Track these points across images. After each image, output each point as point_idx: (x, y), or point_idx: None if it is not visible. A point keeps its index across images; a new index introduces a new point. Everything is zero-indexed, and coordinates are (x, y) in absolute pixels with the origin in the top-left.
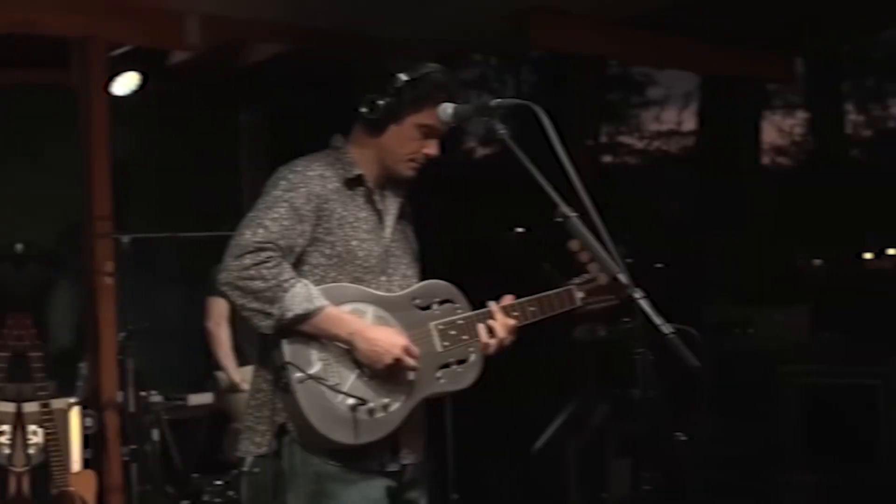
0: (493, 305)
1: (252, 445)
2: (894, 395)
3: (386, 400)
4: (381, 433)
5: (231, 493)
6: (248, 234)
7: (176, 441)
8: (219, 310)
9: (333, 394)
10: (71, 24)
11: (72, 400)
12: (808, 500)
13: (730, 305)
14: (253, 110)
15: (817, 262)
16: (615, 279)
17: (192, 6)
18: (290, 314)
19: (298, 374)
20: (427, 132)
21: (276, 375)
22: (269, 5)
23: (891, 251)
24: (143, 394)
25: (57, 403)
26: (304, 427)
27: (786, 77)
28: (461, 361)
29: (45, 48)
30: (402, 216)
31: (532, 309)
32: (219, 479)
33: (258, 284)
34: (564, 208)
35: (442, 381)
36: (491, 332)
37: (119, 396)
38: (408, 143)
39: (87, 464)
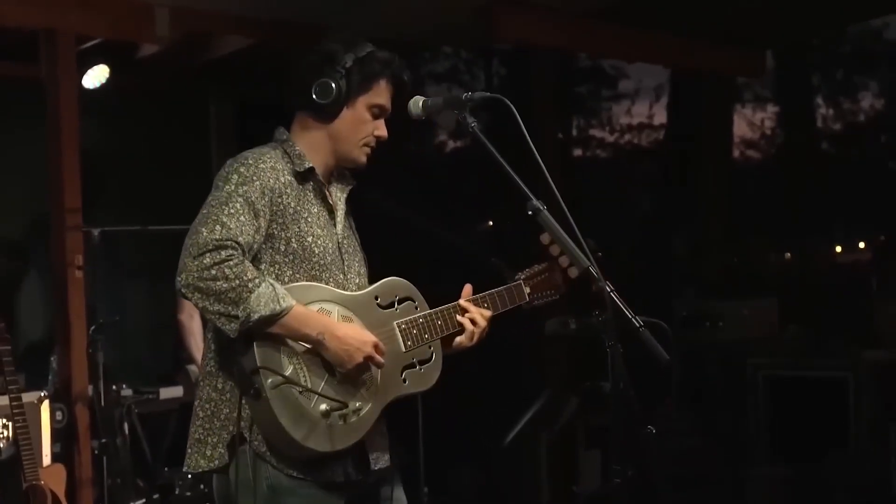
0: (461, 300)
1: (203, 460)
2: (863, 388)
3: (357, 403)
4: (354, 439)
5: (202, 486)
6: (206, 232)
7: (146, 435)
8: (190, 302)
9: (307, 400)
10: (37, 16)
11: (42, 393)
12: (776, 493)
13: (699, 299)
14: (222, 103)
15: (787, 255)
16: (586, 272)
17: None
18: (256, 315)
19: (272, 379)
20: (378, 112)
21: (244, 382)
22: None
23: (860, 244)
24: (113, 387)
25: (27, 397)
26: (276, 434)
27: (756, 71)
28: (423, 362)
29: (14, 41)
30: (347, 210)
31: (484, 305)
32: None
33: (221, 285)
34: (535, 202)
35: (406, 382)
36: (473, 322)
37: (89, 390)
38: (361, 126)
39: (57, 457)
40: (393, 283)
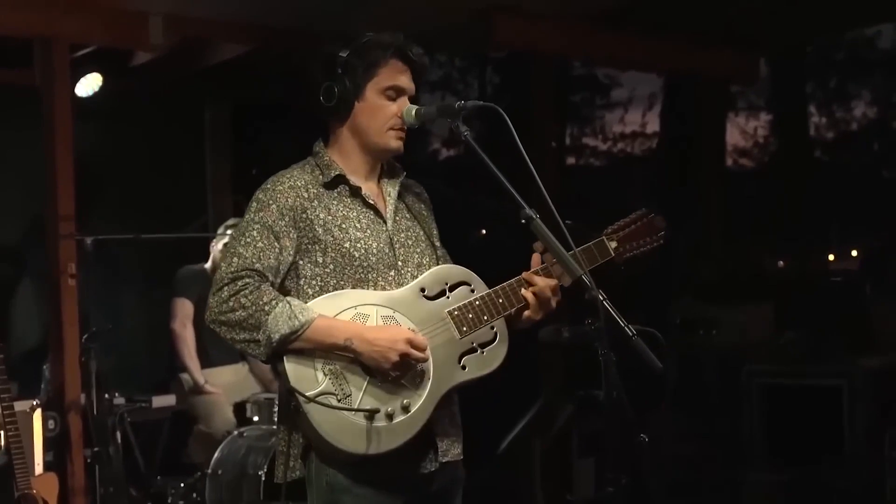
0: (525, 273)
1: (288, 471)
2: (858, 393)
3: (405, 401)
4: (405, 437)
5: (194, 495)
6: (224, 267)
7: (139, 443)
8: (184, 311)
9: (347, 407)
10: (32, 24)
11: (34, 402)
12: (771, 498)
13: (694, 305)
14: (217, 109)
15: (781, 262)
16: (579, 280)
17: (155, 6)
18: (276, 336)
19: (307, 395)
20: (394, 93)
21: (285, 400)
22: (232, 5)
23: (854, 251)
24: (106, 396)
25: (19, 405)
26: (322, 444)
27: (749, 78)
28: (485, 344)
29: (8, 48)
30: (407, 200)
31: (559, 271)
32: (182, 482)
33: (239, 315)
34: (528, 210)
35: (466, 368)
36: (537, 294)
37: (82, 398)
38: (379, 112)
39: (49, 466)
40: (440, 271)
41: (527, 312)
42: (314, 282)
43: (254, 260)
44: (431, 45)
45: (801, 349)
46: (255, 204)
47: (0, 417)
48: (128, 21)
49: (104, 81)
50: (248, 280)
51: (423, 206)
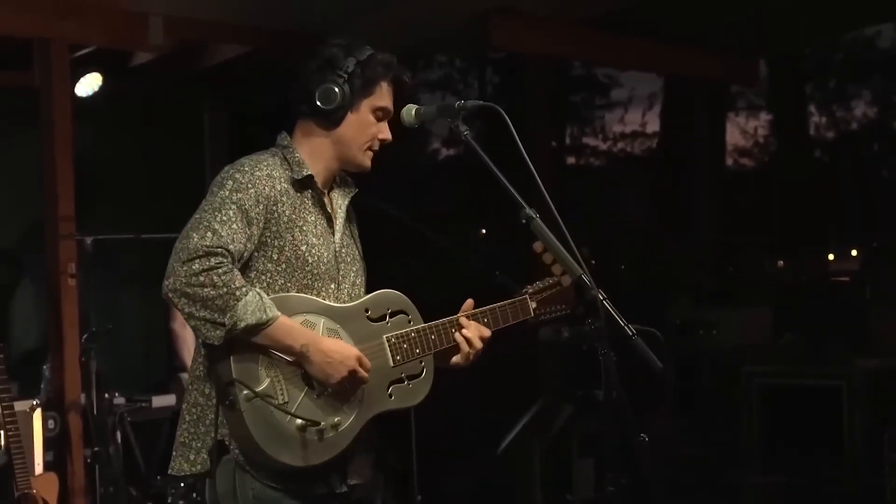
0: (460, 315)
1: (186, 464)
2: (857, 395)
3: (336, 419)
4: (331, 454)
5: (194, 495)
6: (196, 238)
7: (139, 443)
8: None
9: (282, 413)
10: (31, 25)
11: (34, 402)
12: (770, 500)
13: (694, 306)
14: (216, 110)
15: (780, 263)
16: (579, 280)
17: (155, 7)
18: (242, 324)
19: (246, 392)
20: (381, 115)
21: (221, 391)
22: (232, 6)
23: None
24: (106, 395)
25: (19, 405)
26: (250, 447)
27: (749, 79)
28: (413, 377)
29: (8, 49)
30: (348, 218)
31: (485, 321)
32: (182, 481)
33: (208, 292)
34: (528, 210)
35: (392, 398)
36: (469, 342)
37: (82, 398)
38: (365, 129)
39: (49, 466)
40: (385, 295)
41: (455, 358)
42: (264, 277)
43: (228, 241)
44: (429, 48)
45: (800, 350)
46: (231, 182)
47: (0, 417)
48: (127, 22)
49: (103, 82)
50: (221, 259)
51: (354, 226)
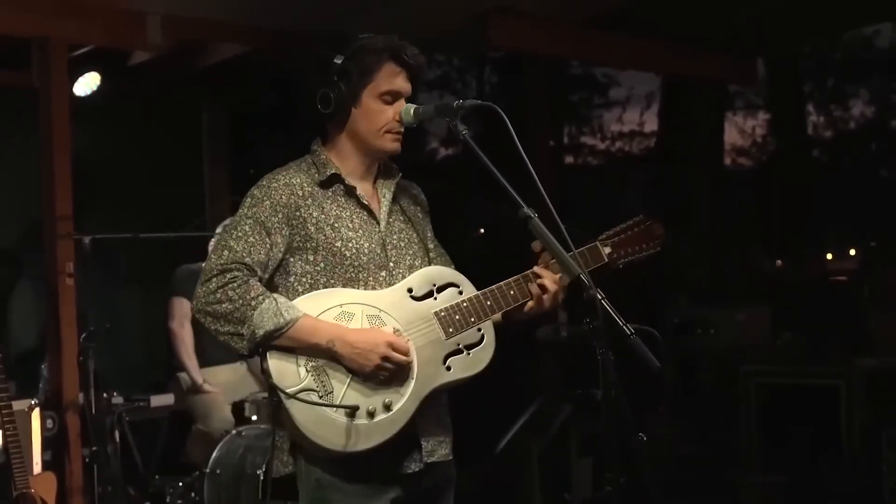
0: (535, 268)
1: (281, 465)
2: (855, 395)
3: (387, 399)
4: (386, 435)
5: (192, 494)
6: (214, 259)
7: (137, 442)
8: (182, 310)
9: (328, 403)
10: (29, 24)
11: (33, 401)
12: (769, 499)
13: (692, 306)
14: (215, 110)
15: (779, 262)
16: (577, 279)
17: (154, 6)
18: (260, 332)
19: (288, 391)
20: (390, 98)
21: (270, 393)
22: (231, 6)
23: (852, 251)
24: (104, 395)
25: (17, 405)
26: (304, 440)
27: (747, 78)
28: (471, 346)
29: (6, 49)
30: (402, 202)
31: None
32: (180, 481)
33: (226, 307)
34: (526, 209)
35: (451, 370)
36: (542, 288)
37: (80, 398)
38: (376, 116)
39: (47, 465)
40: (429, 272)
41: (530, 304)
42: (304, 279)
43: (244, 254)
44: (428, 47)
45: (799, 350)
46: (249, 200)
47: None
48: (126, 21)
49: (102, 81)
50: (236, 273)
51: (418, 207)
